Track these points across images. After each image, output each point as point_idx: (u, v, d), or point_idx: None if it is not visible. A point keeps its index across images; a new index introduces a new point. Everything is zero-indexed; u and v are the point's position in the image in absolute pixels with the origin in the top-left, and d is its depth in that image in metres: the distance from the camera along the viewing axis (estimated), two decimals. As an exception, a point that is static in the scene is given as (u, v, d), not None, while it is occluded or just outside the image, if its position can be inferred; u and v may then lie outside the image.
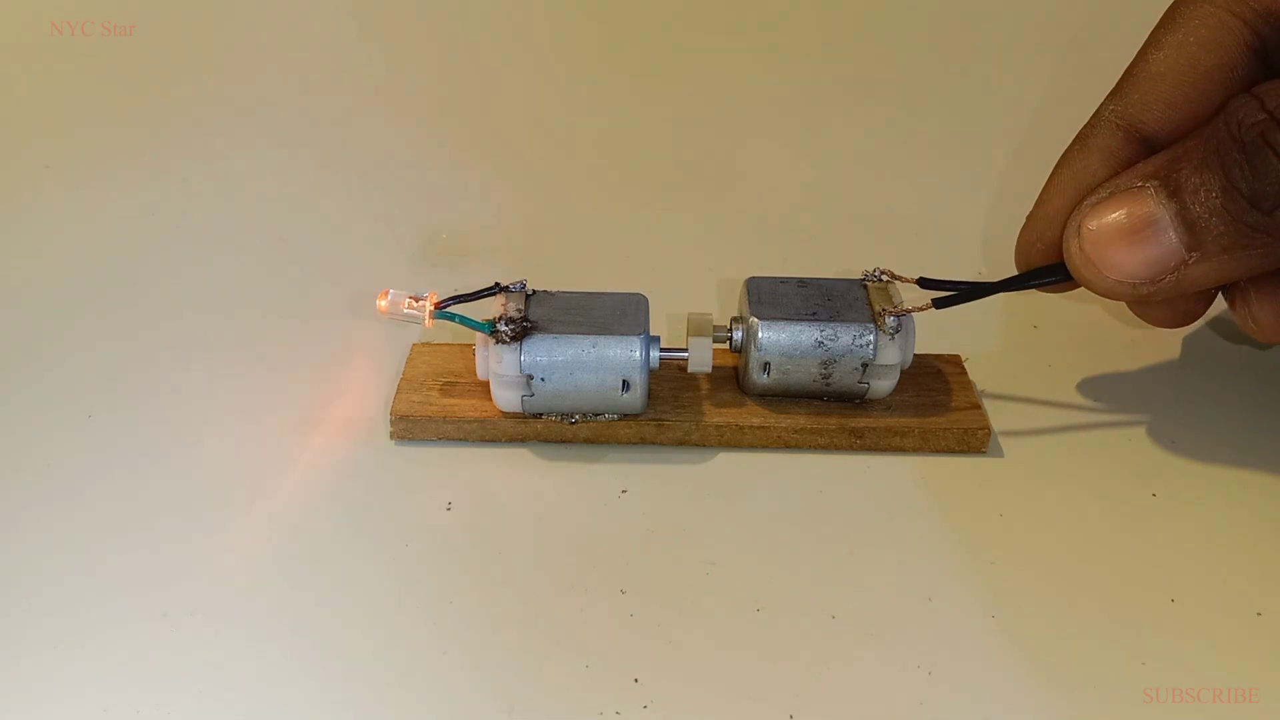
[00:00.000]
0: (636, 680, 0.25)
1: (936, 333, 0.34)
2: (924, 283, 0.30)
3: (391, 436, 0.31)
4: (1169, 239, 0.26)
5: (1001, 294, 0.31)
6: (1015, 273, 0.31)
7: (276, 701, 0.25)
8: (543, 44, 0.56)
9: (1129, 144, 0.29)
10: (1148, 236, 0.26)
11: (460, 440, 0.32)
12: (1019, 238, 0.30)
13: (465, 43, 0.56)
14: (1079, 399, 0.34)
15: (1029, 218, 0.30)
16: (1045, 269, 0.30)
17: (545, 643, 0.26)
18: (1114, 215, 0.27)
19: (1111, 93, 0.29)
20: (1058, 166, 0.30)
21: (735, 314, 0.32)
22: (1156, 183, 0.26)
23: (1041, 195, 0.30)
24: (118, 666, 0.25)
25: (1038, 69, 0.53)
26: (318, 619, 0.26)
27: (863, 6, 0.58)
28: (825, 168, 0.46)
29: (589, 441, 0.32)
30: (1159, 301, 0.30)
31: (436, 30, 0.56)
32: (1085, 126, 0.30)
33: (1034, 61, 0.54)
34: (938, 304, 0.30)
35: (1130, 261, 0.27)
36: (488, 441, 0.32)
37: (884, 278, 0.32)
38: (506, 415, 0.31)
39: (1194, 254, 0.26)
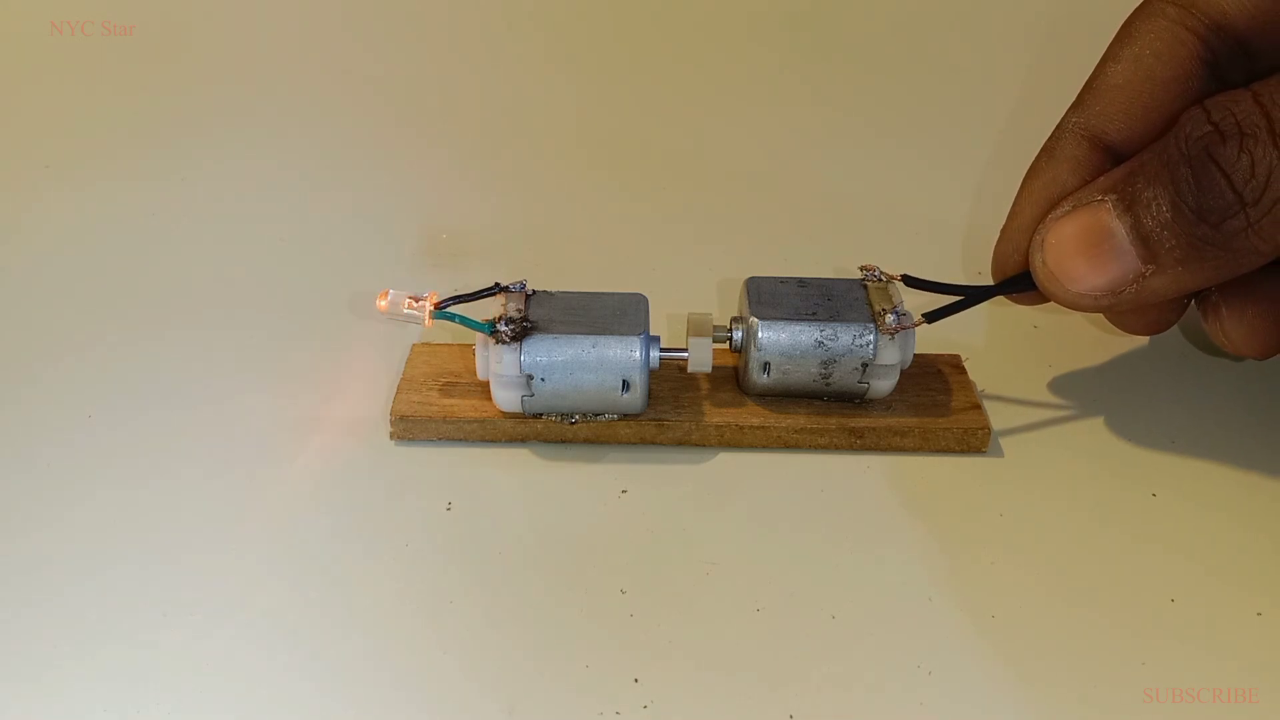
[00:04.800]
0: (636, 680, 0.25)
1: (936, 333, 0.34)
2: (908, 280, 0.31)
3: (391, 436, 0.31)
4: (1126, 252, 0.27)
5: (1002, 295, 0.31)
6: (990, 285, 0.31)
7: (276, 701, 0.25)
8: (543, 44, 0.56)
9: (1095, 152, 0.29)
10: (1106, 250, 0.27)
11: (460, 440, 0.32)
12: (995, 250, 0.31)
13: (465, 43, 0.56)
14: (1079, 399, 0.34)
15: (1003, 230, 0.31)
16: (1014, 279, 0.30)
17: (545, 643, 0.26)
18: (1073, 229, 0.27)
19: (1073, 105, 0.30)
20: (1028, 178, 0.30)
21: (735, 314, 0.32)
22: (1114, 196, 0.27)
23: (1013, 208, 0.30)
24: (118, 666, 0.25)
25: (1039, 67, 0.53)
26: (318, 619, 0.26)
27: (863, 9, 0.58)
28: (826, 167, 0.46)
29: (589, 441, 0.32)
30: (1126, 311, 0.30)
31: (436, 30, 0.56)
32: (1050, 138, 0.30)
33: (1035, 60, 0.54)
34: (929, 318, 0.30)
35: (1090, 274, 0.27)
36: (488, 441, 0.32)
37: (880, 276, 0.32)
38: (506, 415, 0.31)
39: (1150, 267, 0.26)
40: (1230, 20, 0.28)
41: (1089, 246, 0.27)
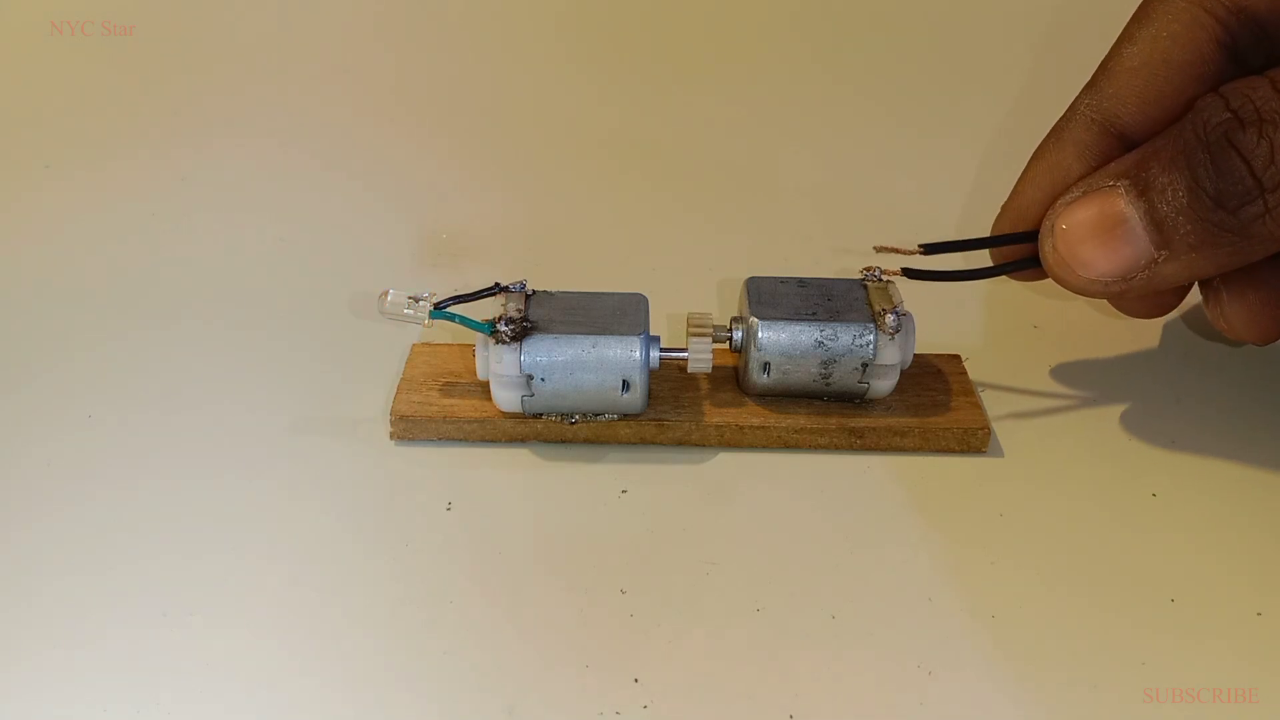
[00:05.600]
0: (636, 680, 0.25)
1: (936, 333, 0.34)
2: (908, 272, 0.31)
3: (391, 436, 0.31)
4: (1139, 238, 0.27)
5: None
6: (992, 266, 0.31)
7: (277, 701, 0.25)
8: (543, 44, 0.56)
9: (1104, 139, 0.29)
10: (1118, 235, 0.27)
11: (460, 440, 0.32)
12: (993, 229, 0.31)
13: (465, 42, 0.56)
14: (1079, 399, 0.34)
15: (1003, 209, 0.30)
16: (1018, 261, 0.30)
17: (545, 643, 0.26)
18: (1085, 214, 0.27)
19: (1086, 86, 0.30)
20: (1033, 159, 0.30)
21: (735, 314, 0.32)
22: (1127, 182, 0.27)
23: (1016, 187, 0.30)
24: (118, 666, 0.25)
25: (1039, 66, 0.53)
26: (318, 619, 0.26)
27: (864, 10, 0.58)
28: (826, 167, 0.46)
29: (589, 441, 0.32)
30: (1135, 298, 0.30)
31: (437, 29, 0.56)
32: (1060, 120, 0.30)
33: (1035, 58, 0.54)
34: (927, 250, 0.30)
35: (1102, 260, 0.27)
36: (488, 441, 0.32)
37: (880, 276, 0.32)
38: (506, 415, 0.31)
39: (1163, 252, 0.26)
40: (1251, 2, 0.28)
41: (1101, 232, 0.27)
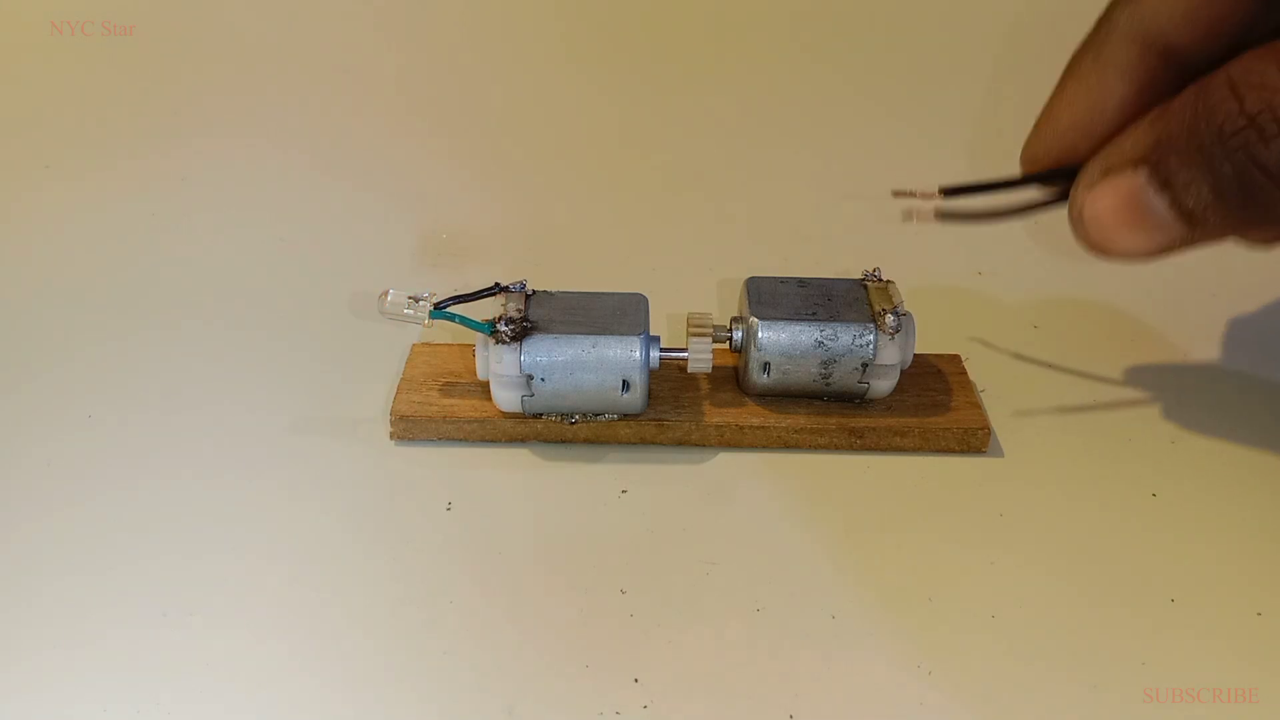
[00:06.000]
0: (636, 680, 0.25)
1: (936, 333, 0.34)
2: (947, 191, 0.29)
3: (391, 436, 0.31)
4: (1168, 223, 0.26)
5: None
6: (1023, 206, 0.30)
7: (277, 701, 0.25)
8: (543, 45, 0.56)
9: (1148, 56, 0.27)
10: (1149, 224, 0.26)
11: (460, 440, 0.32)
12: (1025, 149, 0.29)
13: (465, 43, 0.56)
14: (1079, 399, 0.34)
15: (1036, 128, 0.29)
16: (1050, 201, 0.29)
17: (545, 643, 0.26)
18: (1110, 203, 0.27)
19: None
20: (1067, 75, 0.28)
21: (735, 314, 0.32)
22: (1147, 170, 0.26)
23: (1050, 106, 0.29)
24: (118, 666, 0.25)
25: (1039, 63, 0.53)
26: (318, 619, 0.26)
27: (863, 8, 0.58)
28: (825, 166, 0.46)
29: (589, 441, 0.32)
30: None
31: (437, 29, 0.56)
32: (1096, 34, 0.28)
33: (1035, 56, 0.54)
34: (947, 193, 0.28)
35: (1134, 244, 0.27)
36: (488, 441, 0.32)
37: (879, 276, 0.32)
38: (506, 415, 0.31)
39: (1196, 231, 0.26)
40: None
41: (1130, 219, 0.26)
